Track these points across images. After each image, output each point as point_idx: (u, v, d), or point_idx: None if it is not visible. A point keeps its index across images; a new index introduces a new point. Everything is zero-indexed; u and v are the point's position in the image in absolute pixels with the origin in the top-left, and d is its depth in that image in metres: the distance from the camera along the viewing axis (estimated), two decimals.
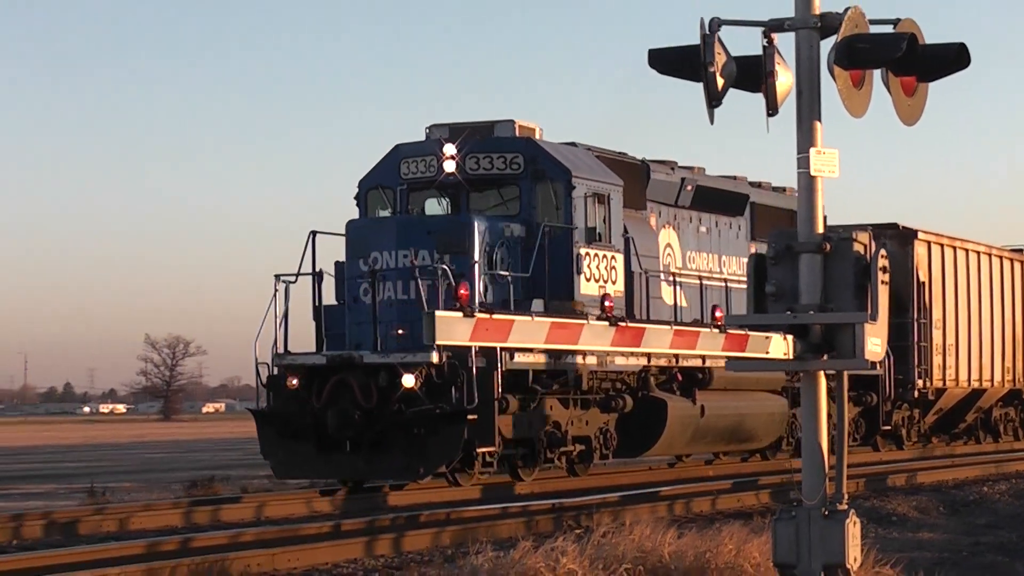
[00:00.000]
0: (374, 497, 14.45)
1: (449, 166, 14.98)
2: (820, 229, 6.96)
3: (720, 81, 6.98)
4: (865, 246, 7.31)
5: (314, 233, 14.51)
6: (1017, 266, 27.10)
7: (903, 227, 24.11)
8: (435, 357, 12.96)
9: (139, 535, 11.36)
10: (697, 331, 7.25)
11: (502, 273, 14.37)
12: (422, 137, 16.02)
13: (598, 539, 8.03)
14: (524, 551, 7.58)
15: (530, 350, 13.86)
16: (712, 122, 7.00)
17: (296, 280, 14.42)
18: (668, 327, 7.45)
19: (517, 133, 15.75)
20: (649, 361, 16.65)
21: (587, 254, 15.51)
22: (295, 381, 13.56)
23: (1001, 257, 26.69)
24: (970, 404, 25.76)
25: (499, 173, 15.49)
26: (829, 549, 6.94)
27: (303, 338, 15.03)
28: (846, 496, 7.01)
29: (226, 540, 10.49)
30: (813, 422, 6.97)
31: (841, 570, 6.99)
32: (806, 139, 7.03)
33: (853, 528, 7.02)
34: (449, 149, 15.03)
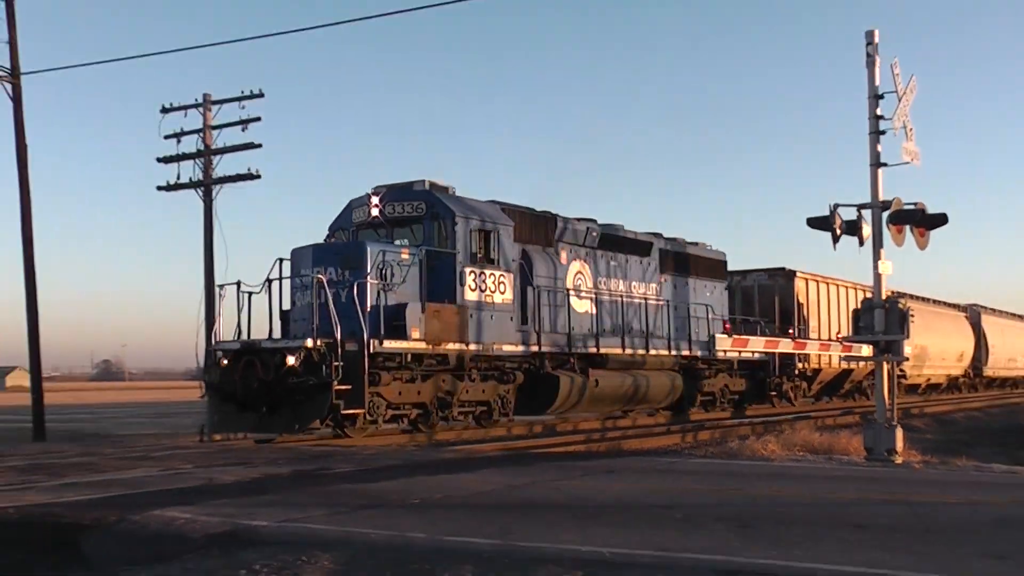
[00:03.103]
0: (685, 415, 27.86)
1: (375, 212, 20.56)
2: (883, 296, 16.94)
3: (839, 232, 16.44)
4: (902, 305, 17.03)
5: (280, 259, 19.74)
6: (852, 291, 38.44)
7: (788, 269, 35.29)
8: (309, 343, 17.79)
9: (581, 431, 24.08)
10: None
11: (391, 284, 19.33)
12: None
13: (784, 436, 17.94)
14: (751, 441, 16.89)
15: (405, 337, 18.86)
16: (835, 249, 16.63)
17: (260, 291, 19.48)
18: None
19: (429, 188, 20.89)
20: (539, 348, 21.96)
21: (471, 272, 20.51)
22: (224, 361, 18.63)
23: (845, 286, 38.48)
24: (844, 379, 37.80)
25: (409, 215, 20.70)
26: (888, 442, 15.73)
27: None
28: (895, 418, 16.36)
29: (619, 434, 23.22)
30: (880, 384, 16.68)
31: (894, 452, 15.61)
32: (877, 255, 16.74)
33: (899, 432, 15.98)
34: (374, 200, 20.58)
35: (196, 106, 30.08)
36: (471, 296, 20.49)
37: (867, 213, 16.60)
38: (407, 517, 8.11)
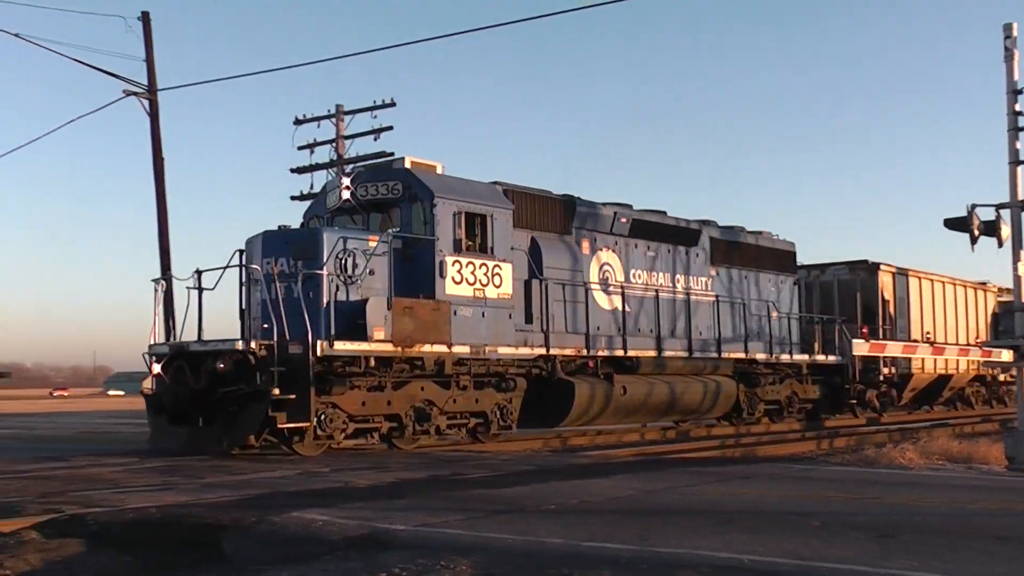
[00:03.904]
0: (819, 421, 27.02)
1: (345, 194, 17.88)
2: None
3: (977, 233, 16.49)
4: None
5: (240, 250, 17.23)
6: (952, 287, 34.62)
7: (871, 261, 31.11)
8: (240, 345, 15.17)
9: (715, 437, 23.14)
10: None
11: (354, 276, 16.59)
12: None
13: (921, 444, 17.62)
14: (888, 448, 17.12)
15: (365, 339, 16.09)
16: (972, 251, 16.75)
17: (218, 287, 16.91)
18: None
19: (410, 167, 18.09)
20: (548, 351, 19.12)
21: (455, 261, 17.63)
22: (156, 367, 16.13)
23: (942, 281, 34.05)
24: (942, 385, 33.17)
25: (384, 198, 17.94)
26: None
27: None
28: None
29: (753, 440, 22.53)
30: (1022, 391, 17.11)
31: None
32: (1016, 256, 16.78)
33: None
34: (345, 182, 17.91)
35: (328, 117, 31.29)
36: (455, 290, 17.61)
37: (1005, 213, 16.83)
38: (543, 522, 8.13)
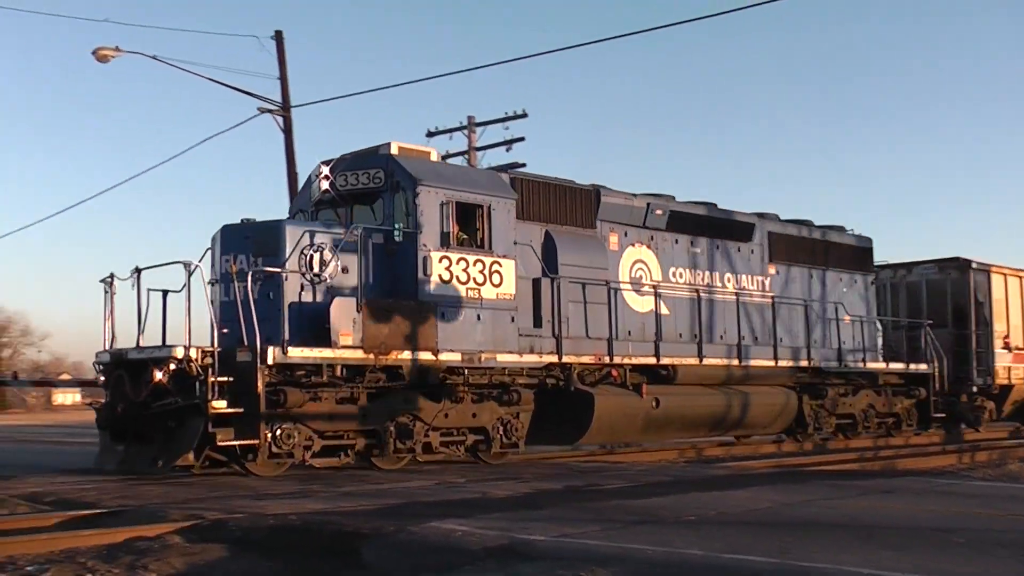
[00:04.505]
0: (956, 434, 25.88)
1: (324, 184, 16.15)
2: None
3: None
4: None
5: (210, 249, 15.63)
6: None
7: (962, 259, 27.90)
8: (179, 352, 13.40)
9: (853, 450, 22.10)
10: None
11: (324, 276, 14.75)
12: None
13: None
14: None
15: (330, 344, 14.19)
16: None
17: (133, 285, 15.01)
18: None
19: (397, 153, 16.18)
20: (561, 358, 17.08)
21: (443, 257, 15.65)
22: (101, 377, 14.50)
23: None
24: None
25: (364, 188, 16.08)
26: None
27: None
28: None
29: (892, 453, 21.58)
30: None
31: None
32: None
33: None
34: (323, 170, 16.15)
35: (460, 129, 31.47)
36: (441, 289, 15.61)
37: None
38: (682, 534, 8.05)
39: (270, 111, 25.56)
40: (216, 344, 13.45)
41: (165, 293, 15.00)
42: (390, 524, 8.40)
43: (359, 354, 14.47)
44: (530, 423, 17.07)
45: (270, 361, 13.60)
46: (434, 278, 15.51)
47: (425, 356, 15.21)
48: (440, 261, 15.60)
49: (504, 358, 16.32)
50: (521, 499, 10.73)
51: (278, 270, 14.20)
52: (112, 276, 14.78)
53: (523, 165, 27.06)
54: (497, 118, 30.74)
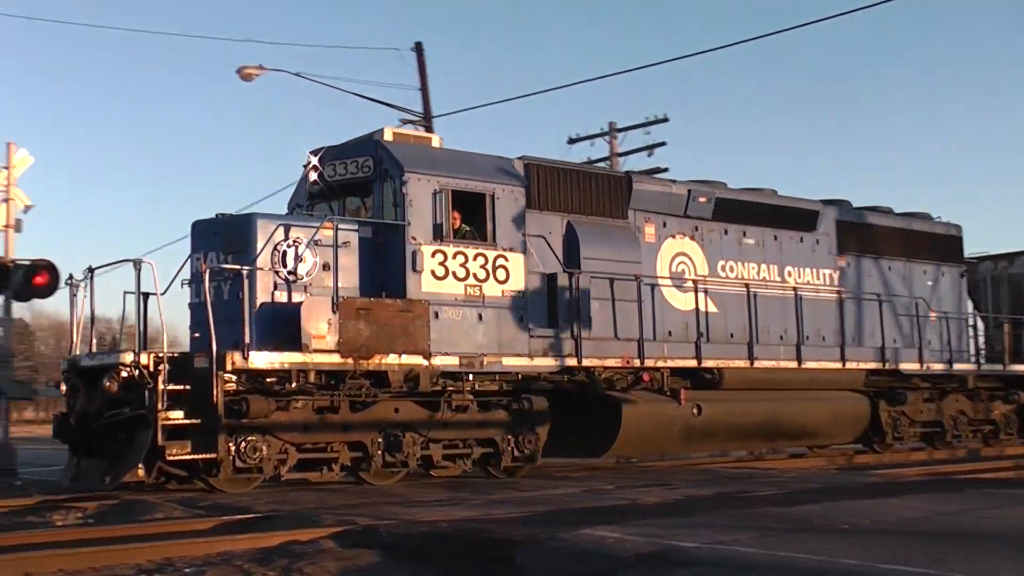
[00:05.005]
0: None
1: (312, 175, 15.01)
2: None
3: None
4: None
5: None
6: None
7: None
8: (128, 357, 12.24)
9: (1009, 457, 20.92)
10: None
11: (300, 273, 13.50)
12: None
13: None
14: None
15: (298, 348, 12.91)
16: None
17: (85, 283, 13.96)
18: None
19: (382, 140, 14.86)
20: (580, 361, 15.46)
21: (437, 252, 14.23)
22: (63, 386, 13.46)
23: None
24: None
25: (354, 178, 14.81)
26: None
27: None
28: None
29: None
30: None
31: None
32: None
33: None
34: (313, 160, 14.98)
35: (602, 135, 31.56)
36: (436, 286, 14.18)
37: None
38: (836, 542, 7.87)
39: (412, 122, 25.86)
40: (166, 348, 12.28)
41: (146, 296, 13.94)
42: (542, 531, 8.47)
43: (335, 358, 13.14)
44: (552, 433, 15.51)
45: (229, 367, 12.37)
46: (426, 274, 14.10)
47: (415, 360, 13.78)
48: (433, 255, 14.19)
49: (511, 361, 14.79)
50: (671, 506, 10.69)
51: (236, 267, 12.95)
52: (71, 276, 13.76)
53: (665, 170, 26.90)
54: (638, 123, 30.83)
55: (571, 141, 31.88)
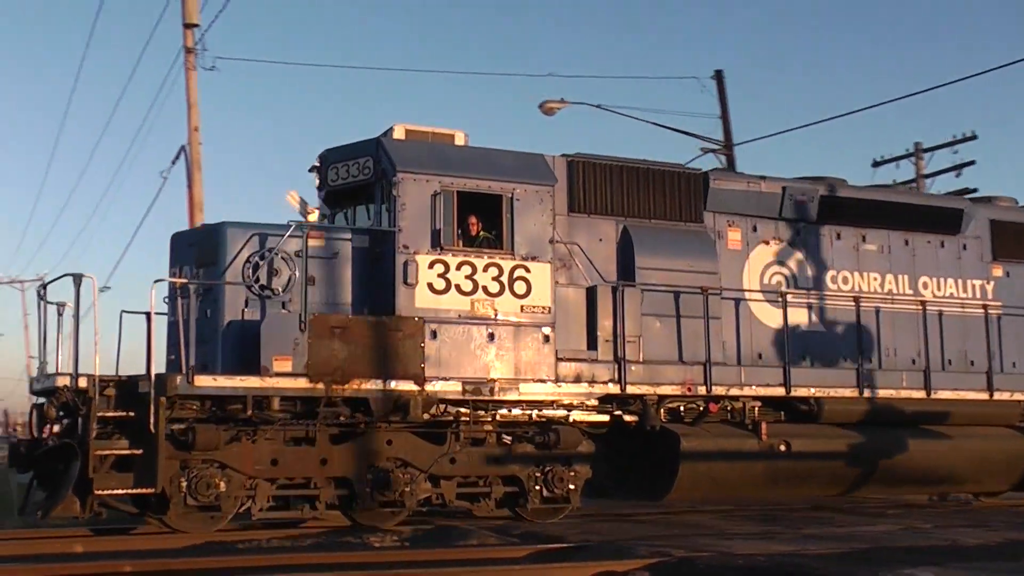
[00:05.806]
0: None
1: (316, 180, 13.75)
2: None
3: None
4: None
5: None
6: None
7: None
8: (64, 381, 11.13)
9: None
10: None
11: (275, 287, 12.12)
12: None
13: None
14: None
15: (258, 373, 11.48)
16: None
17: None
18: None
19: (383, 139, 13.29)
20: (624, 388, 13.27)
21: (437, 262, 12.47)
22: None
23: None
24: None
25: (354, 181, 13.31)
26: None
27: None
28: None
29: None
30: None
31: None
32: None
33: None
34: (315, 162, 13.70)
35: (907, 156, 30.78)
36: (432, 302, 12.40)
37: None
38: None
39: (713, 151, 25.56)
40: (97, 370, 11.14)
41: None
42: (862, 569, 8.30)
43: (302, 383, 11.63)
44: (605, 472, 13.39)
45: (171, 392, 11.11)
46: (420, 287, 12.36)
47: (404, 386, 12.06)
48: (431, 266, 12.44)
49: (531, 388, 12.77)
50: (994, 549, 10.27)
51: (184, 280, 11.72)
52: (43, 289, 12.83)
53: (975, 191, 25.03)
54: (945, 142, 29.63)
55: (875, 164, 31.22)
